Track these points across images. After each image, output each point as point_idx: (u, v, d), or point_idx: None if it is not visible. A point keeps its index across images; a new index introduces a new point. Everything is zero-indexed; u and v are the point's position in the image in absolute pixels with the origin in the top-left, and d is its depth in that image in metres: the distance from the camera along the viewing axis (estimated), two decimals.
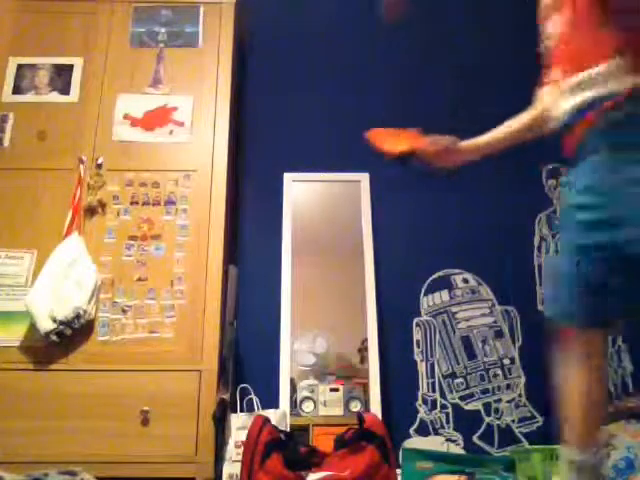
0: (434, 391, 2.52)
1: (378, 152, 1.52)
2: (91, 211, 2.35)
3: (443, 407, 2.50)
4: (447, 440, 2.43)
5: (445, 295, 2.66)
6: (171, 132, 2.49)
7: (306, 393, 2.40)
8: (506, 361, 2.56)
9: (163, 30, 2.65)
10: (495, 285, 2.67)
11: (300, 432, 2.26)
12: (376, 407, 2.31)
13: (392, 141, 1.49)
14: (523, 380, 2.53)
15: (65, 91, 2.53)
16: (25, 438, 2.03)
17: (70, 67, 2.56)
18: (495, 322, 2.62)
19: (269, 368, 2.42)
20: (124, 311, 2.24)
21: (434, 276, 2.68)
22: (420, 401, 2.51)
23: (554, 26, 1.36)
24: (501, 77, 2.99)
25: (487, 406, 2.51)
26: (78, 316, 2.13)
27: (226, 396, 2.14)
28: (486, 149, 1.59)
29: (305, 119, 2.93)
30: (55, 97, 2.52)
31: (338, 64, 3.04)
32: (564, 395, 1.34)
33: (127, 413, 2.08)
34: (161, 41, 2.63)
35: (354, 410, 2.35)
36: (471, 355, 2.57)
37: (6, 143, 2.44)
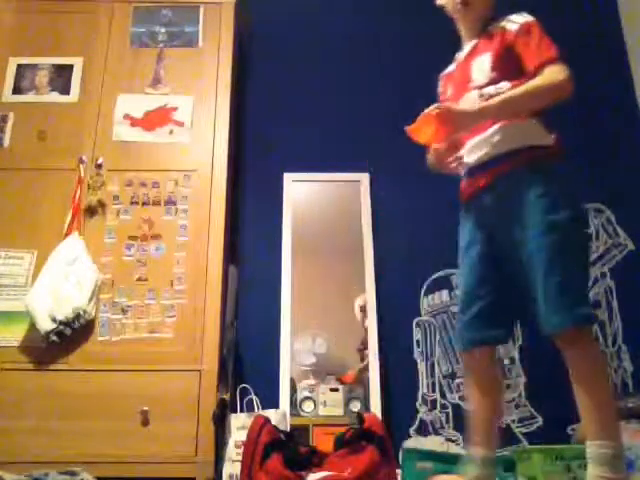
0: (434, 391, 2.52)
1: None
2: (91, 211, 2.35)
3: (443, 407, 2.50)
4: (447, 440, 2.43)
5: (445, 295, 2.65)
6: (171, 132, 2.49)
7: (306, 393, 2.40)
8: (506, 361, 2.56)
9: (163, 30, 2.65)
10: None
11: (300, 432, 2.26)
12: (376, 407, 2.31)
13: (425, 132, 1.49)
14: (523, 380, 2.53)
15: (65, 91, 2.53)
16: (25, 438, 2.03)
17: (70, 67, 2.56)
18: None
19: (269, 368, 2.42)
20: (124, 311, 2.24)
21: (434, 276, 2.68)
22: (420, 401, 2.51)
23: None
24: None
25: None
26: (78, 316, 2.13)
27: (226, 396, 2.14)
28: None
29: (305, 119, 2.93)
30: (55, 97, 2.53)
31: (338, 64, 3.04)
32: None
33: (127, 413, 2.08)
34: (161, 41, 2.63)
35: (354, 410, 2.35)
36: None
37: (6, 143, 2.44)
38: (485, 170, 1.50)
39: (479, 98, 1.53)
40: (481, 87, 1.54)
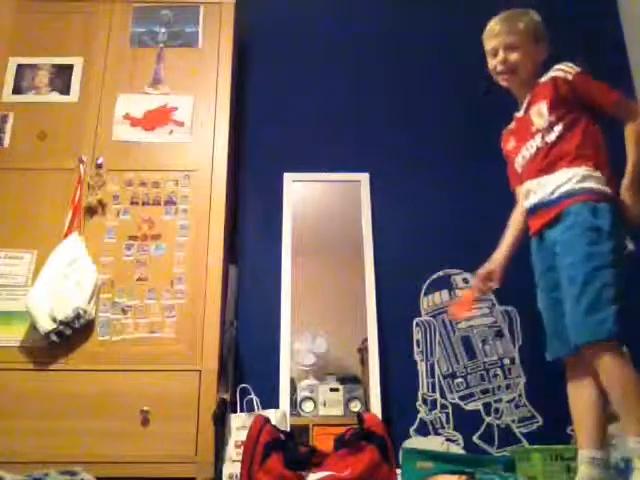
0: (434, 391, 2.52)
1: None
2: (91, 211, 2.35)
3: (443, 407, 2.50)
4: (447, 440, 2.43)
5: (445, 295, 2.65)
6: (171, 132, 2.49)
7: (306, 393, 2.40)
8: (506, 361, 2.56)
9: (163, 30, 2.65)
10: None
11: (300, 432, 2.26)
12: (376, 407, 2.31)
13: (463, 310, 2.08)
14: (523, 380, 2.53)
15: (65, 91, 2.53)
16: (25, 438, 2.03)
17: (70, 67, 2.56)
18: (495, 322, 2.62)
19: (269, 368, 2.42)
20: (124, 311, 2.24)
21: (434, 276, 2.68)
22: (420, 401, 2.51)
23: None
24: None
25: (487, 406, 2.51)
26: (78, 316, 2.13)
27: (226, 396, 2.14)
28: (509, 257, 1.91)
29: (305, 119, 2.93)
30: (55, 97, 2.53)
31: (338, 64, 3.04)
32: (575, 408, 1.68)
33: (127, 413, 2.08)
34: (161, 41, 2.63)
35: (354, 410, 2.35)
36: (471, 355, 2.57)
37: (6, 143, 2.44)
38: (554, 205, 1.68)
39: (541, 144, 1.74)
40: (542, 130, 1.74)
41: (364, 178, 2.76)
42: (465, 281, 2.67)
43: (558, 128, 1.71)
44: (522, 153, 1.82)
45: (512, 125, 1.93)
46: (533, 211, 1.78)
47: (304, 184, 2.78)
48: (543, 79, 1.79)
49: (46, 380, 2.12)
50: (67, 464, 1.79)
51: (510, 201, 2.80)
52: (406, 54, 3.05)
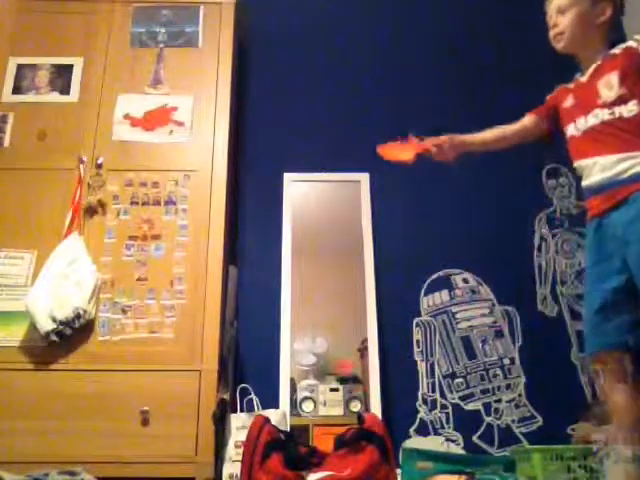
0: (434, 391, 2.52)
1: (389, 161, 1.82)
2: (91, 211, 2.35)
3: (443, 407, 2.50)
4: (447, 440, 2.43)
5: (445, 295, 2.65)
6: (171, 132, 2.49)
7: (306, 393, 2.40)
8: (506, 361, 2.56)
9: (163, 30, 2.65)
10: (495, 285, 2.67)
11: (300, 432, 2.26)
12: (376, 407, 2.31)
13: (399, 151, 1.83)
14: (523, 380, 2.53)
15: (65, 91, 2.53)
16: (25, 438, 2.03)
17: (70, 67, 2.56)
18: (495, 322, 2.62)
19: (269, 368, 2.42)
20: (124, 311, 2.24)
21: (434, 276, 2.68)
22: (420, 401, 2.51)
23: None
24: (504, 76, 2.99)
25: (487, 406, 2.51)
26: (78, 316, 2.13)
27: (226, 396, 2.14)
28: (479, 147, 1.91)
29: (305, 119, 2.93)
30: (55, 97, 2.53)
31: (338, 64, 3.04)
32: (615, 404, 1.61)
33: (127, 413, 2.08)
34: (161, 41, 2.63)
35: (354, 410, 2.35)
36: (471, 355, 2.57)
37: (6, 143, 2.44)
38: (625, 185, 1.59)
39: (609, 116, 1.62)
40: (610, 104, 1.62)
41: (364, 178, 2.76)
42: (465, 281, 2.68)
43: (632, 103, 1.59)
44: (586, 118, 1.68)
45: (571, 85, 1.79)
46: (598, 191, 1.65)
47: (304, 184, 2.78)
48: (617, 50, 1.67)
49: (46, 380, 2.12)
50: (67, 464, 1.80)
51: (509, 201, 2.81)
52: (406, 53, 3.05)
